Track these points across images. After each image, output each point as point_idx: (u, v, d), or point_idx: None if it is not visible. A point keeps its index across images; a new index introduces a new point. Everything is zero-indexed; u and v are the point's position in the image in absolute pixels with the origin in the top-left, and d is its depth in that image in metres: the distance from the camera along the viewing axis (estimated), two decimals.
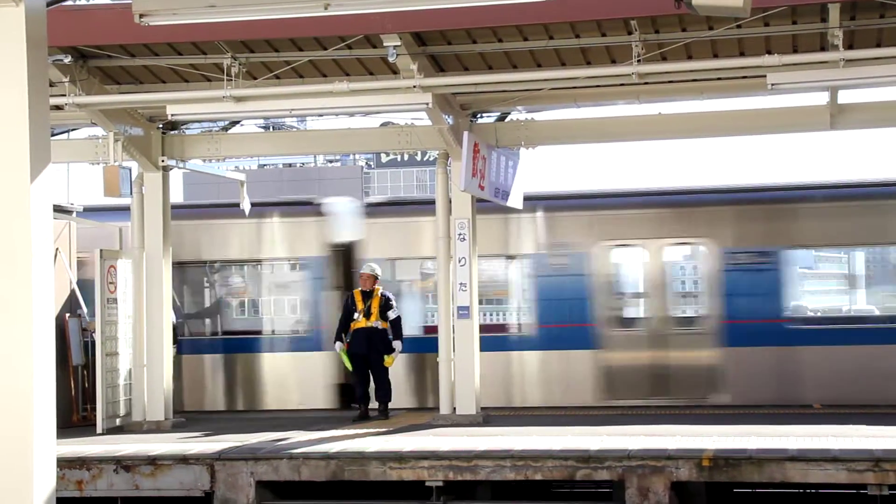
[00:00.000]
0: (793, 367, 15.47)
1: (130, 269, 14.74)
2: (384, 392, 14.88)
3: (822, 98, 13.68)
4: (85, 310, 15.31)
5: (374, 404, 14.93)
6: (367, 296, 14.79)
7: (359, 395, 14.99)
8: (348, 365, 14.86)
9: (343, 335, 14.79)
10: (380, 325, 14.67)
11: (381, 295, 14.80)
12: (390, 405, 14.94)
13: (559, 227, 16.26)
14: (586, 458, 11.02)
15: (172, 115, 12.98)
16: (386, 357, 14.68)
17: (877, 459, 10.45)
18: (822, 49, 12.23)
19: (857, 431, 12.20)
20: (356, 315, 14.73)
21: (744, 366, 15.51)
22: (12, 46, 7.24)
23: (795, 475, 10.58)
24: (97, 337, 14.34)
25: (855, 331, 15.80)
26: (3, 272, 7.26)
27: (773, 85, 11.67)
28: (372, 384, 14.92)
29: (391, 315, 14.71)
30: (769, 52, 12.04)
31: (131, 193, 14.74)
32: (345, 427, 13.78)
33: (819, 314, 16.92)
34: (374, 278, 14.81)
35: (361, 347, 14.71)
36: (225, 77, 12.67)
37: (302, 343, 16.61)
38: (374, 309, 14.67)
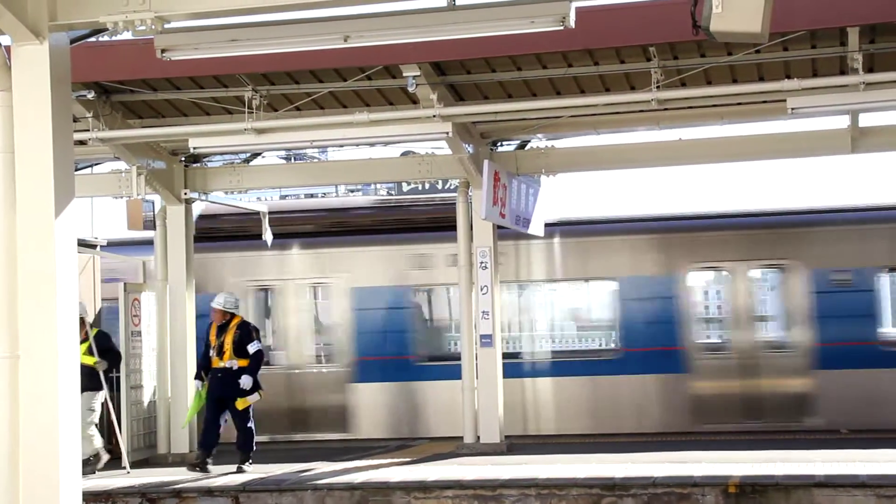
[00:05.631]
0: None
1: (154, 302, 14.82)
2: (243, 440, 12.95)
3: (842, 122, 13.65)
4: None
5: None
6: (222, 330, 13.03)
7: (199, 440, 13.32)
8: (191, 410, 13.45)
9: (203, 374, 13.12)
10: (235, 364, 12.82)
11: (238, 328, 12.99)
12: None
13: None
14: (611, 485, 10.95)
15: (194, 148, 13.07)
16: (238, 399, 12.84)
17: None
18: (842, 73, 12.19)
19: (885, 456, 12.09)
20: (211, 353, 13.03)
21: None
22: (37, 83, 7.34)
23: (823, 501, 10.48)
24: (122, 370, 14.40)
25: None
26: (29, 306, 7.32)
27: (793, 109, 11.64)
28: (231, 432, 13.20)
29: (251, 349, 12.90)
30: (789, 77, 12.03)
31: (154, 226, 14.84)
32: (369, 457, 13.76)
33: None
34: (223, 314, 13.03)
35: (214, 390, 12.93)
36: (246, 109, 12.75)
37: None
38: (228, 346, 12.86)
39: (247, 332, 13.01)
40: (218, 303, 13.14)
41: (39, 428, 7.21)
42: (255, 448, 13.03)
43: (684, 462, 12.07)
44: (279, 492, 11.55)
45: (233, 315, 13.08)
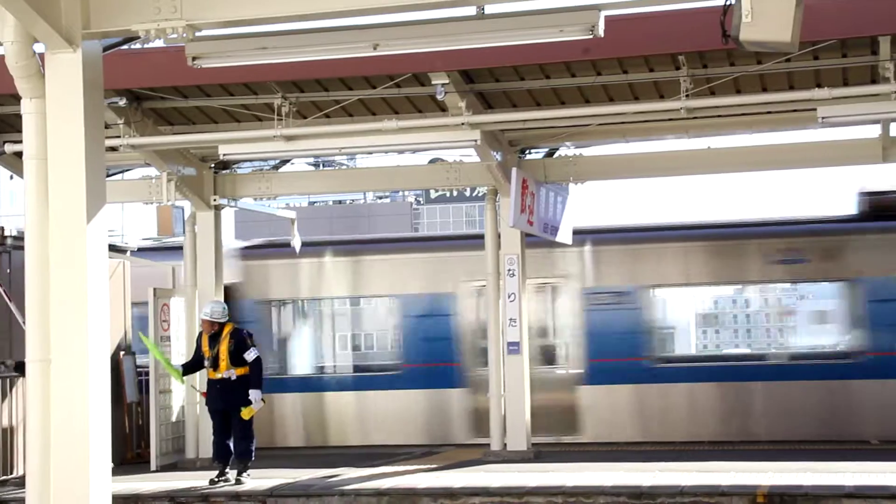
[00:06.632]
0: None
1: (183, 308, 14.91)
2: (241, 449, 12.54)
3: (873, 131, 13.58)
4: None
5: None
6: (214, 340, 12.56)
7: (213, 453, 12.93)
8: (159, 355, 13.28)
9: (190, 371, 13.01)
10: (234, 374, 12.42)
11: (231, 336, 12.53)
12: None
13: None
14: (638, 494, 10.93)
15: (224, 154, 13.15)
16: (242, 409, 12.41)
17: None
18: (873, 82, 12.14)
19: None
20: (206, 363, 12.70)
21: None
22: (70, 90, 7.42)
23: None
24: (151, 374, 14.50)
25: None
26: (60, 312, 7.39)
27: (823, 118, 11.60)
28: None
29: (248, 357, 12.46)
30: (819, 86, 11.99)
31: (184, 232, 14.95)
32: (395, 463, 13.78)
33: None
34: (211, 324, 12.55)
35: (216, 402, 12.63)
36: (276, 116, 12.83)
37: None
38: (223, 355, 12.43)
39: (241, 340, 12.54)
40: (205, 313, 12.65)
41: (70, 431, 7.27)
42: (253, 458, 12.64)
43: (712, 471, 12.02)
44: (306, 497, 11.59)
45: (222, 324, 12.62)
